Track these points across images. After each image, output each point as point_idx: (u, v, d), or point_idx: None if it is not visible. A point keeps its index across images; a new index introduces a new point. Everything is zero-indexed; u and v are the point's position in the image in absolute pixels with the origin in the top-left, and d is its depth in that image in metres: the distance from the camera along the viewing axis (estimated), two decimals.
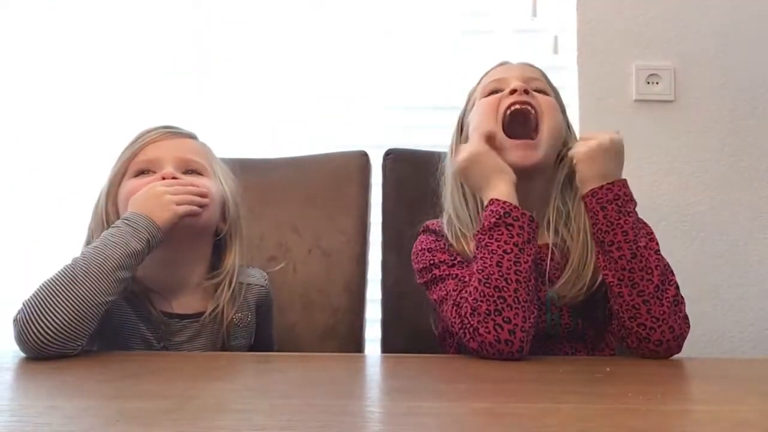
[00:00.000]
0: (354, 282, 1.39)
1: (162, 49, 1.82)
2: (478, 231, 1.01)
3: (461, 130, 1.18)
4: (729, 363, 1.16)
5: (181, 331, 1.05)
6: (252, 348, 1.15)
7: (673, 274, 1.00)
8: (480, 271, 0.96)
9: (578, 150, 1.05)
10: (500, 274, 0.94)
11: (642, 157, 1.67)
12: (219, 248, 1.13)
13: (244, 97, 1.80)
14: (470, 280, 0.98)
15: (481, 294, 0.94)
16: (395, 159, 1.45)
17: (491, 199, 1.01)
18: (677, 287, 0.99)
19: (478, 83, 1.20)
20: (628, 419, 0.61)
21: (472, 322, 0.93)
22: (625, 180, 1.04)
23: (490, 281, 0.94)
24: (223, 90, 1.80)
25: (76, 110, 1.79)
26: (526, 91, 1.09)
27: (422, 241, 1.11)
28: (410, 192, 1.40)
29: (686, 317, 0.98)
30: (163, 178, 1.03)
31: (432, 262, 1.07)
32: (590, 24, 1.70)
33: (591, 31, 1.70)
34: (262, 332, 1.17)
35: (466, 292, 0.97)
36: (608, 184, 1.02)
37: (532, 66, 1.19)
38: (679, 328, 0.97)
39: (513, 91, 1.09)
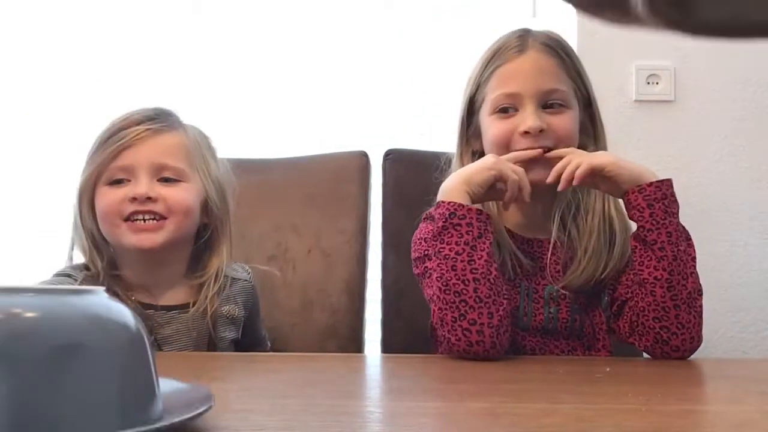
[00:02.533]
0: (354, 282, 1.39)
1: (162, 48, 1.82)
2: (430, 238, 0.98)
3: (467, 132, 1.12)
4: (729, 363, 1.16)
5: (168, 323, 1.06)
6: (244, 344, 1.15)
7: (701, 286, 0.98)
8: (439, 279, 0.94)
9: (606, 160, 0.99)
10: (457, 277, 0.93)
11: (642, 157, 1.66)
12: (205, 245, 1.11)
13: (244, 96, 1.80)
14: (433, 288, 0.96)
15: (444, 302, 0.93)
16: (395, 159, 1.45)
17: (437, 202, 0.98)
18: (702, 300, 0.97)
19: (485, 70, 1.08)
20: (628, 419, 0.61)
21: (443, 333, 0.93)
22: (671, 179, 1.00)
23: (449, 287, 0.93)
24: (223, 90, 1.80)
25: (72, 111, 1.79)
26: (541, 130, 1.02)
27: (421, 230, 1.08)
28: (410, 192, 1.40)
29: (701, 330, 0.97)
30: (135, 198, 1.01)
31: (425, 253, 1.03)
32: (590, 24, 1.70)
33: (591, 31, 1.70)
34: (252, 328, 1.17)
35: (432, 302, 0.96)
36: (657, 182, 0.98)
37: (549, 57, 1.06)
38: (698, 339, 0.96)
39: (526, 132, 1.02)
